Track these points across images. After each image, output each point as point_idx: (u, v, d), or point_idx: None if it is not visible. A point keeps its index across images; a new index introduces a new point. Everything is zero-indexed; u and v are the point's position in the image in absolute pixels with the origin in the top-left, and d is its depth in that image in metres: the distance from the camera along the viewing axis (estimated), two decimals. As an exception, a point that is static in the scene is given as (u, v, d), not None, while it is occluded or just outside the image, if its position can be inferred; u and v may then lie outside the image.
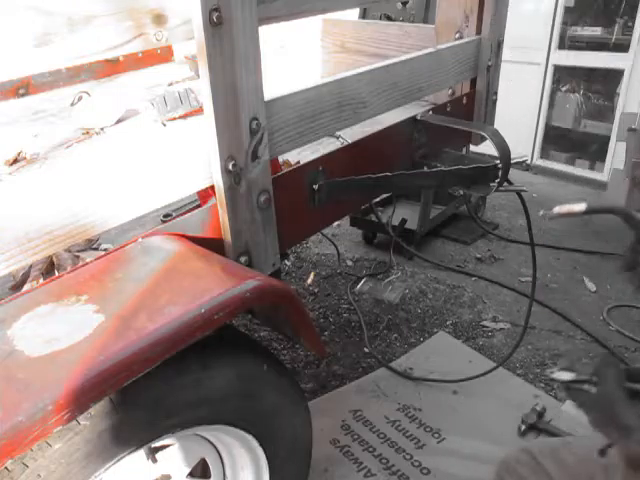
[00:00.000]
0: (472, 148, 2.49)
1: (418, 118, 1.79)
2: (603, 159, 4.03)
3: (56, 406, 0.78)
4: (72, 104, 1.87)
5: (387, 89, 1.60)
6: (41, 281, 1.31)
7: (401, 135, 1.76)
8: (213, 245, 1.20)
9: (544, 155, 4.38)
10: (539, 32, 4.12)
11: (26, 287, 1.33)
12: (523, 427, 1.94)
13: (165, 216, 1.52)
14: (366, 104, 1.53)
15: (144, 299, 0.99)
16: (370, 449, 1.94)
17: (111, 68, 2.22)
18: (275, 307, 1.20)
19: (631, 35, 3.77)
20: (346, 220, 3.38)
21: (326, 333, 2.57)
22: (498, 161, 1.68)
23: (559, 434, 1.87)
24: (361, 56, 2.32)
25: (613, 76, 3.99)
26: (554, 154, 4.36)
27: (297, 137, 1.35)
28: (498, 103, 2.17)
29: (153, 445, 1.11)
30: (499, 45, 2.03)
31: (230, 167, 1.16)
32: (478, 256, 3.17)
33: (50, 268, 1.39)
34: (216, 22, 1.02)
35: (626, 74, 3.83)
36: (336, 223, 3.46)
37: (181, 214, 1.30)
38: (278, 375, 1.25)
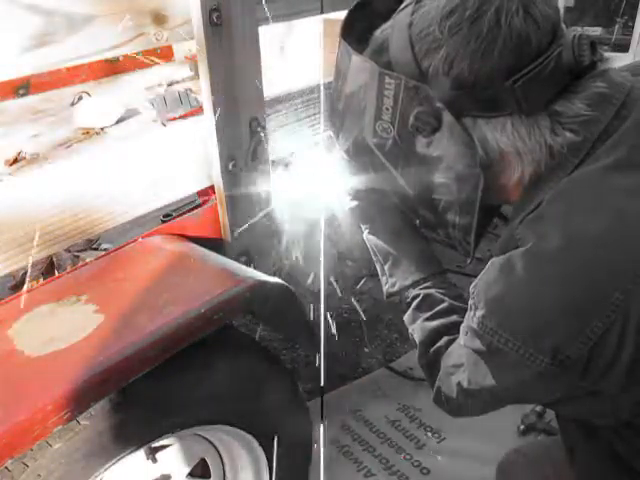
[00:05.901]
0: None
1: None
2: (603, 159, 4.02)
3: (56, 406, 0.78)
4: (72, 104, 1.86)
5: (387, 89, 1.59)
6: (41, 281, 1.31)
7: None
8: (213, 245, 1.20)
9: (544, 155, 4.37)
10: (539, 32, 4.11)
11: (26, 287, 1.34)
12: (523, 427, 1.94)
13: (165, 216, 1.51)
14: (366, 104, 1.53)
15: (144, 299, 0.99)
16: (370, 449, 1.93)
17: (111, 68, 2.22)
18: (275, 307, 1.20)
19: (631, 35, 3.76)
20: (346, 220, 3.37)
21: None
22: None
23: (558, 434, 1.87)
24: (361, 56, 2.31)
25: (613, 76, 3.98)
26: (554, 154, 4.36)
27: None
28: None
29: (153, 445, 1.11)
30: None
31: (230, 167, 1.16)
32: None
33: (50, 268, 1.39)
34: (216, 22, 1.02)
35: (626, 74, 3.83)
36: (336, 223, 3.45)
37: (181, 214, 1.30)
38: (278, 375, 1.25)
